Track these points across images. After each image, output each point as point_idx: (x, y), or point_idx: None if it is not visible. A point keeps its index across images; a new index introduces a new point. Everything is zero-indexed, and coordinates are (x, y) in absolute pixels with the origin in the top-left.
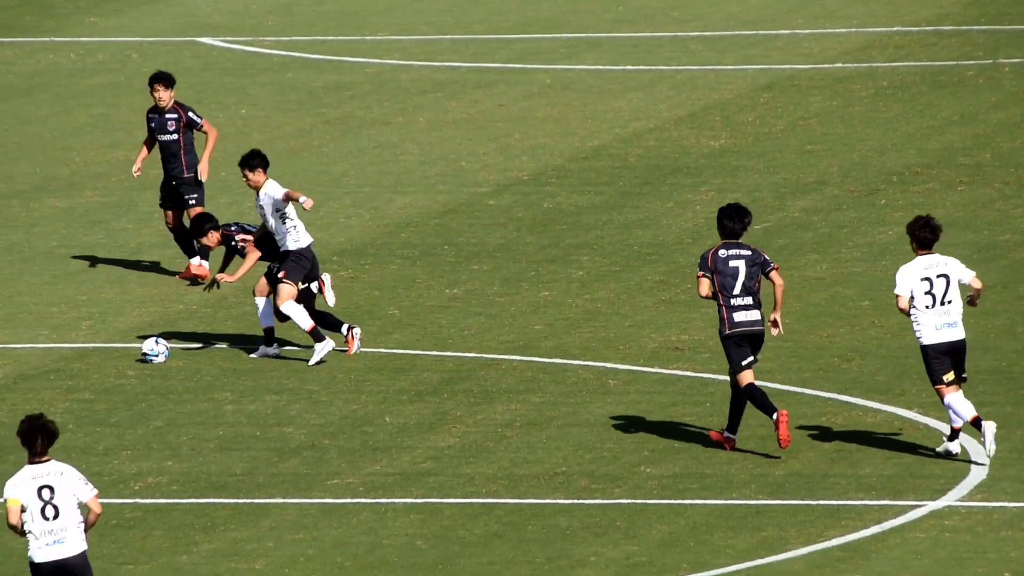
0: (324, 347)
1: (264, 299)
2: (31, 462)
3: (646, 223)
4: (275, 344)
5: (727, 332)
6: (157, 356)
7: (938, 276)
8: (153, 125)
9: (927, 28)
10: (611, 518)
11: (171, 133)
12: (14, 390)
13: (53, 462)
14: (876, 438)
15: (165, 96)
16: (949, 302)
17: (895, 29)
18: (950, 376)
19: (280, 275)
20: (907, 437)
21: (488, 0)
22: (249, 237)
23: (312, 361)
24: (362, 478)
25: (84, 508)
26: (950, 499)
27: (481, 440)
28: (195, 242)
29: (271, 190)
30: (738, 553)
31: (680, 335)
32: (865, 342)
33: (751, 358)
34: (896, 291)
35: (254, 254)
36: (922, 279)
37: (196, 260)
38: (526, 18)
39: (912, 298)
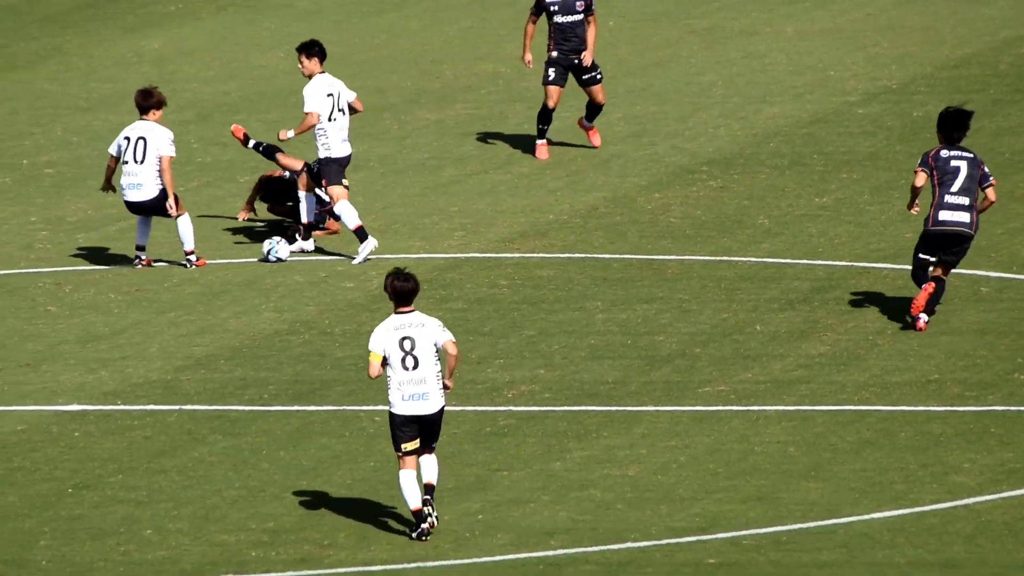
0: (368, 245)
1: (307, 193)
2: (396, 312)
3: (1017, 130)
4: (311, 240)
5: (928, 228)
6: (274, 249)
7: None
8: (555, 8)
9: None
10: (985, 425)
11: (578, 13)
12: None
13: (416, 313)
14: None
15: None
16: None
17: None
18: None
19: (324, 184)
20: None
21: None
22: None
23: (357, 260)
24: (733, 386)
25: (443, 354)
26: None
27: (852, 348)
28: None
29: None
30: None
31: None
32: None
33: (933, 259)
34: None
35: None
36: None
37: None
38: None
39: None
